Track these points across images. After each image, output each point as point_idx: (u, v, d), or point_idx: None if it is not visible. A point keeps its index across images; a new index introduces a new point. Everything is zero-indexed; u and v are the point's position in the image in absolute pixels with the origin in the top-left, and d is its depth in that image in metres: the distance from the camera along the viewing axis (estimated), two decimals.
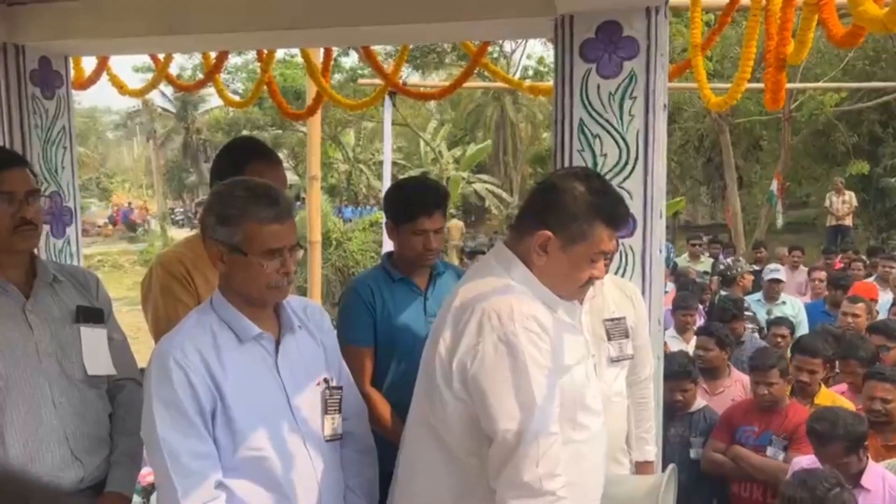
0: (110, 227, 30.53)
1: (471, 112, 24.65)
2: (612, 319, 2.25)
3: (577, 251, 1.62)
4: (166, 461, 1.61)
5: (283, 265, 1.69)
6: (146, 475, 3.18)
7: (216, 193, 1.75)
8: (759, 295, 6.17)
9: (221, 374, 1.66)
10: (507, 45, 20.41)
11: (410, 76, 18.89)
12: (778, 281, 6.03)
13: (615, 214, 1.64)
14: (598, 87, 2.39)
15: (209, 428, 1.65)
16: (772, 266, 6.37)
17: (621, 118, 2.39)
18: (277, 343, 1.77)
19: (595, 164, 2.42)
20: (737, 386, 4.06)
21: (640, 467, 2.40)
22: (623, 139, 2.40)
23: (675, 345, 4.85)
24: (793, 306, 5.94)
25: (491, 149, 23.20)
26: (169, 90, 28.56)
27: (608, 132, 2.40)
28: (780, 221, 13.35)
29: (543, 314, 1.57)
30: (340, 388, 1.85)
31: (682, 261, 8.34)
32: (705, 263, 8.25)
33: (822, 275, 6.68)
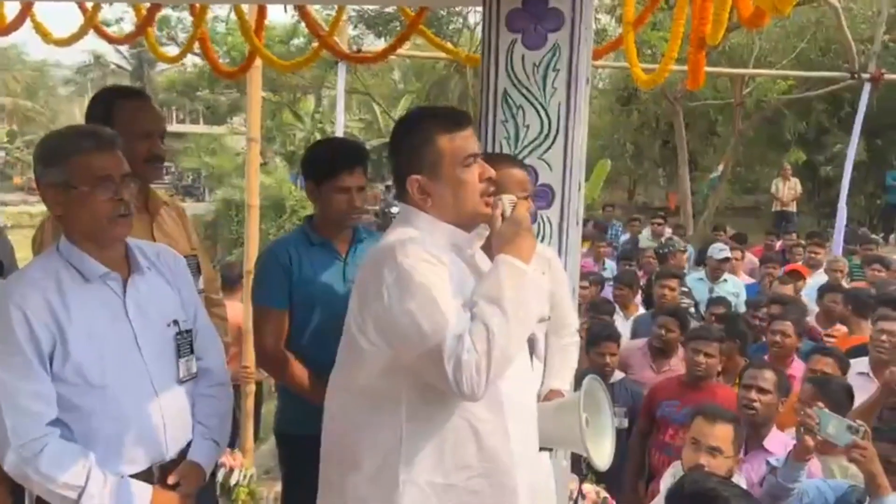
0: None
1: (434, 84, 24.38)
2: None
3: (445, 172, 1.66)
4: (0, 401, 1.66)
5: (116, 193, 1.73)
6: None
7: (39, 143, 1.81)
8: (702, 273, 6.33)
9: (65, 315, 1.71)
10: (472, 17, 20.26)
11: (374, 44, 18.59)
12: (727, 260, 6.13)
13: (444, 120, 1.69)
14: (523, 57, 2.41)
15: (47, 368, 1.70)
16: (719, 246, 6.51)
17: (544, 90, 2.41)
18: (126, 283, 1.81)
19: (517, 134, 2.45)
20: (683, 364, 4.10)
21: (551, 395, 2.19)
22: (545, 111, 2.43)
23: (617, 321, 4.95)
24: (734, 285, 6.09)
25: None
26: (125, 47, 27.58)
27: (531, 103, 2.43)
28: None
29: (440, 253, 1.61)
30: (189, 331, 1.91)
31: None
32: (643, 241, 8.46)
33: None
